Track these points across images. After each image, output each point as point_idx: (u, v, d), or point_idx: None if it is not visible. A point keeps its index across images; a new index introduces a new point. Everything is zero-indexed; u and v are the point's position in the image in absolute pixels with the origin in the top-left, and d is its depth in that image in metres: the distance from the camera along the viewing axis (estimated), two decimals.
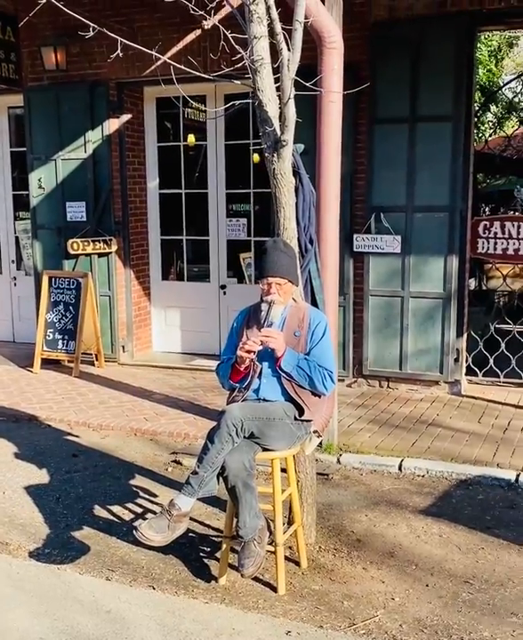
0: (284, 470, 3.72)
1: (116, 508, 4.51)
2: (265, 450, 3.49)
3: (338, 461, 5.18)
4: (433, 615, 3.32)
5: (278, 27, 3.19)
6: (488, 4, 6.08)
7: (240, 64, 3.38)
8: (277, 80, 3.41)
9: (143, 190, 8.06)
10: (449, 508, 4.48)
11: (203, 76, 3.56)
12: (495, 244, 6.69)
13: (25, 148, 8.04)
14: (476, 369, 6.81)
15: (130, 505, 4.56)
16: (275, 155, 3.52)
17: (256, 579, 3.61)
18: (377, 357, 6.85)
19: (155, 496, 4.69)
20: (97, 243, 7.67)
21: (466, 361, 6.76)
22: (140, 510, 4.49)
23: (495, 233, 6.67)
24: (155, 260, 8.30)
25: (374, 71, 6.42)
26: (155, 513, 4.29)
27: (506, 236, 6.64)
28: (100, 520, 4.35)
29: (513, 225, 6.62)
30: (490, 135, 8.39)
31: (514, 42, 14.75)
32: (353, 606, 3.40)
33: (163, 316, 8.37)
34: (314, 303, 3.98)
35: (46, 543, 4.05)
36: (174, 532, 3.34)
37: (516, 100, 8.91)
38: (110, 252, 7.76)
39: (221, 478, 3.39)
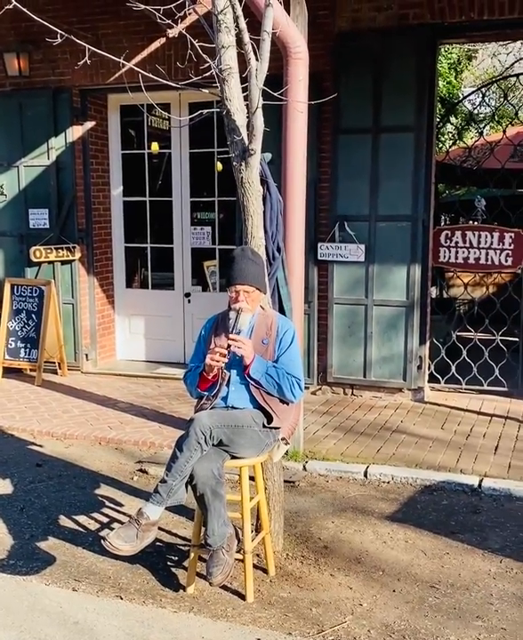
0: (252, 478, 3.72)
1: (81, 518, 4.46)
2: (233, 457, 3.49)
3: (304, 468, 5.20)
4: (401, 620, 3.35)
5: (247, 37, 3.22)
6: (449, 18, 6.20)
7: (208, 73, 3.39)
8: (244, 89, 3.43)
9: (107, 198, 8.03)
10: (414, 513, 4.53)
11: (170, 84, 3.57)
12: (457, 253, 6.80)
13: None
14: (438, 376, 6.90)
15: (95, 514, 4.52)
16: (243, 164, 3.54)
17: (224, 587, 3.61)
18: (341, 365, 6.91)
19: (120, 505, 4.66)
20: (60, 250, 7.61)
21: (429, 368, 6.85)
22: (106, 520, 4.45)
23: (457, 242, 6.78)
24: (119, 267, 8.26)
25: (338, 82, 6.50)
26: (121, 522, 4.26)
27: (467, 245, 6.76)
28: (65, 530, 4.31)
29: (474, 234, 6.75)
30: (451, 146, 8.54)
31: (473, 55, 15.04)
32: (321, 613, 3.42)
33: (127, 323, 8.33)
34: (281, 311, 4.01)
35: (11, 554, 3.99)
36: (143, 542, 3.32)
37: (475, 112, 9.10)
38: (74, 260, 7.71)
39: (189, 486, 3.38)
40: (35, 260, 7.54)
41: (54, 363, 7.74)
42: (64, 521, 4.43)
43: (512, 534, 4.22)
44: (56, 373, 7.75)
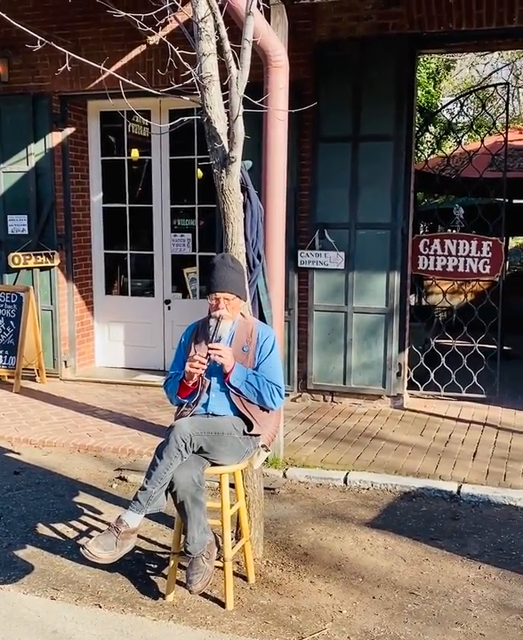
0: (232, 485, 3.72)
1: (60, 526, 4.43)
2: (214, 465, 3.48)
3: (284, 475, 5.20)
4: (380, 627, 3.35)
5: (227, 45, 3.23)
6: (428, 28, 6.25)
7: (189, 80, 3.40)
8: (224, 97, 3.44)
9: (87, 204, 8.00)
10: (394, 520, 4.54)
11: (151, 91, 3.57)
12: (435, 260, 6.85)
13: None
14: (417, 383, 6.93)
15: (74, 522, 4.49)
16: (223, 171, 3.54)
17: (204, 595, 3.60)
18: (321, 372, 6.92)
19: (100, 513, 4.63)
20: (39, 256, 7.57)
21: (408, 375, 6.88)
22: (84, 528, 4.42)
23: (435, 250, 6.84)
24: (98, 274, 8.23)
25: (318, 90, 6.54)
26: (100, 530, 4.23)
27: (446, 253, 6.82)
28: (43, 538, 4.27)
29: (452, 242, 6.80)
30: (429, 155, 8.63)
31: (451, 65, 15.21)
32: (301, 620, 3.41)
33: (106, 330, 8.30)
34: (262, 318, 4.01)
35: None
36: (122, 549, 3.30)
37: (454, 121, 9.20)
38: (53, 266, 7.67)
39: (169, 494, 3.37)
40: (13, 266, 7.50)
41: (33, 370, 7.69)
42: (42, 529, 4.40)
43: (490, 540, 4.25)
44: (34, 380, 7.69)
